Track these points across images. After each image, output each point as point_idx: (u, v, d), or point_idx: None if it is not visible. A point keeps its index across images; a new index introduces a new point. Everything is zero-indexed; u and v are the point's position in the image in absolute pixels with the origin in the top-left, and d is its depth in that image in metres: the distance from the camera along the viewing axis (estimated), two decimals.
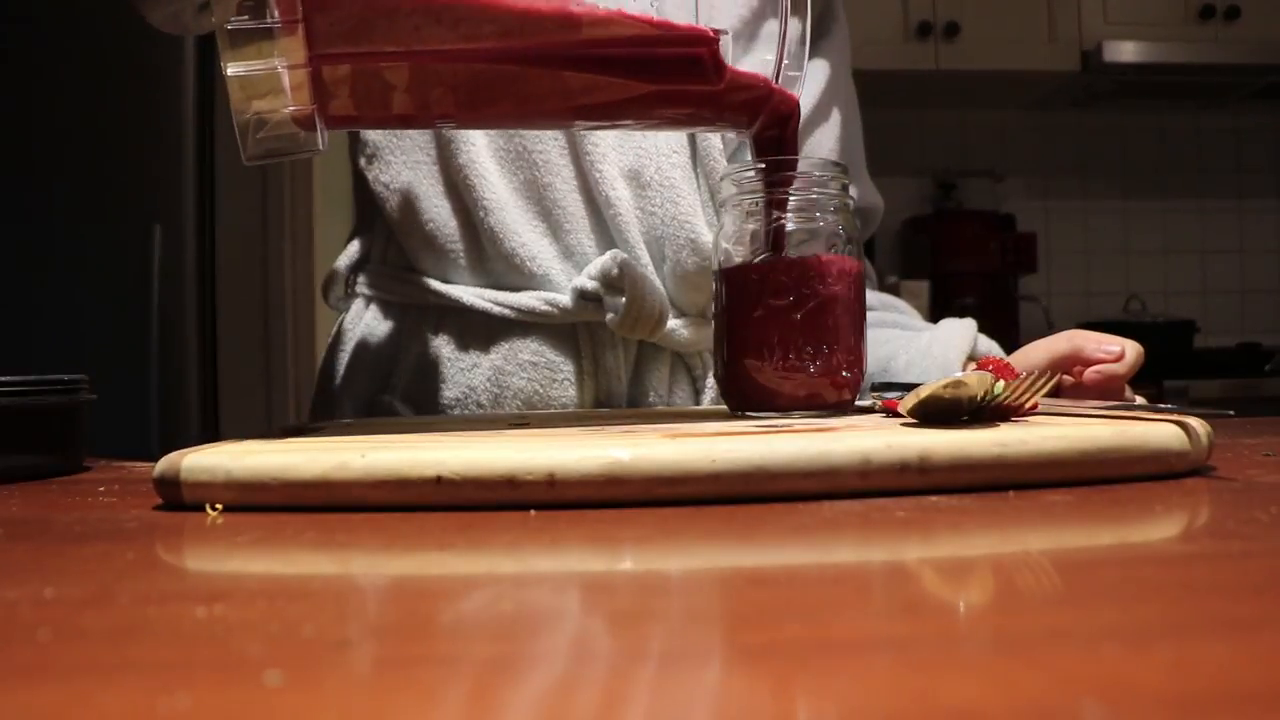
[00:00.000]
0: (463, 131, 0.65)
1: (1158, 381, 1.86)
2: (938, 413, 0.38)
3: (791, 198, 0.48)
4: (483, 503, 0.32)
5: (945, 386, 0.37)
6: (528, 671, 0.16)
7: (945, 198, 2.32)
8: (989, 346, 0.72)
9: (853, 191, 0.50)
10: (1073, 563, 0.23)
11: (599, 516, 0.30)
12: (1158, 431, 0.34)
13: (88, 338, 1.52)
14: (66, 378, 0.46)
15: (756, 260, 0.48)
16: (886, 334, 0.74)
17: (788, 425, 0.40)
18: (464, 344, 0.67)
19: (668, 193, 0.64)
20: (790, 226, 0.48)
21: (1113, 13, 2.10)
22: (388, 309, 0.71)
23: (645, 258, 0.65)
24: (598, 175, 0.64)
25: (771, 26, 0.60)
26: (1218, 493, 0.32)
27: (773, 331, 0.47)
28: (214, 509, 0.32)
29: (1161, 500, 0.31)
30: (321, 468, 0.32)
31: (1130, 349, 0.60)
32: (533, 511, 0.31)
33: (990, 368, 0.44)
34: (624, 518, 0.30)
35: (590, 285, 0.63)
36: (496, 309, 0.65)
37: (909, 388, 0.42)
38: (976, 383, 0.37)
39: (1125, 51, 2.04)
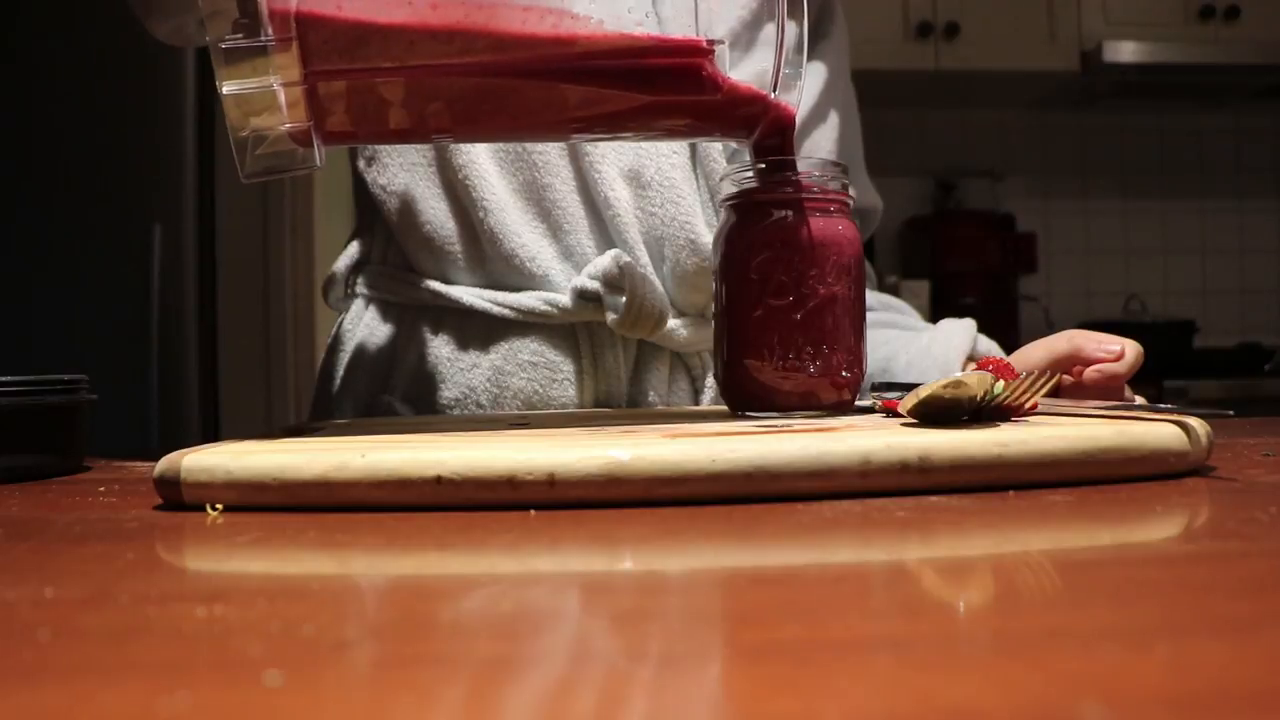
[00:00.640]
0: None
1: (1157, 381, 1.86)
2: (938, 413, 0.38)
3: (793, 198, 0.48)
4: (483, 503, 0.32)
5: (945, 386, 0.37)
6: (528, 671, 0.16)
7: (945, 198, 2.32)
8: (989, 346, 0.72)
9: (851, 192, 0.50)
10: (1072, 563, 0.23)
11: (599, 516, 0.30)
12: (1157, 431, 0.34)
13: (88, 338, 1.52)
14: (66, 378, 0.46)
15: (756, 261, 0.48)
16: (886, 334, 0.74)
17: (788, 425, 0.40)
18: (464, 344, 0.67)
19: (667, 193, 0.64)
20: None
21: (1113, 13, 2.11)
22: (387, 309, 0.71)
23: (645, 258, 0.65)
24: (597, 176, 0.64)
25: (770, 31, 0.61)
26: (1217, 493, 0.32)
27: (773, 331, 0.47)
28: (214, 509, 0.32)
29: (1161, 500, 0.31)
30: (321, 468, 0.32)
31: (1130, 349, 0.60)
32: (533, 511, 0.31)
33: (990, 368, 0.44)
34: (624, 518, 0.30)
35: (590, 285, 0.63)
36: (496, 309, 0.65)
37: (909, 388, 0.42)
38: (976, 383, 0.37)
39: (1125, 51, 2.04)
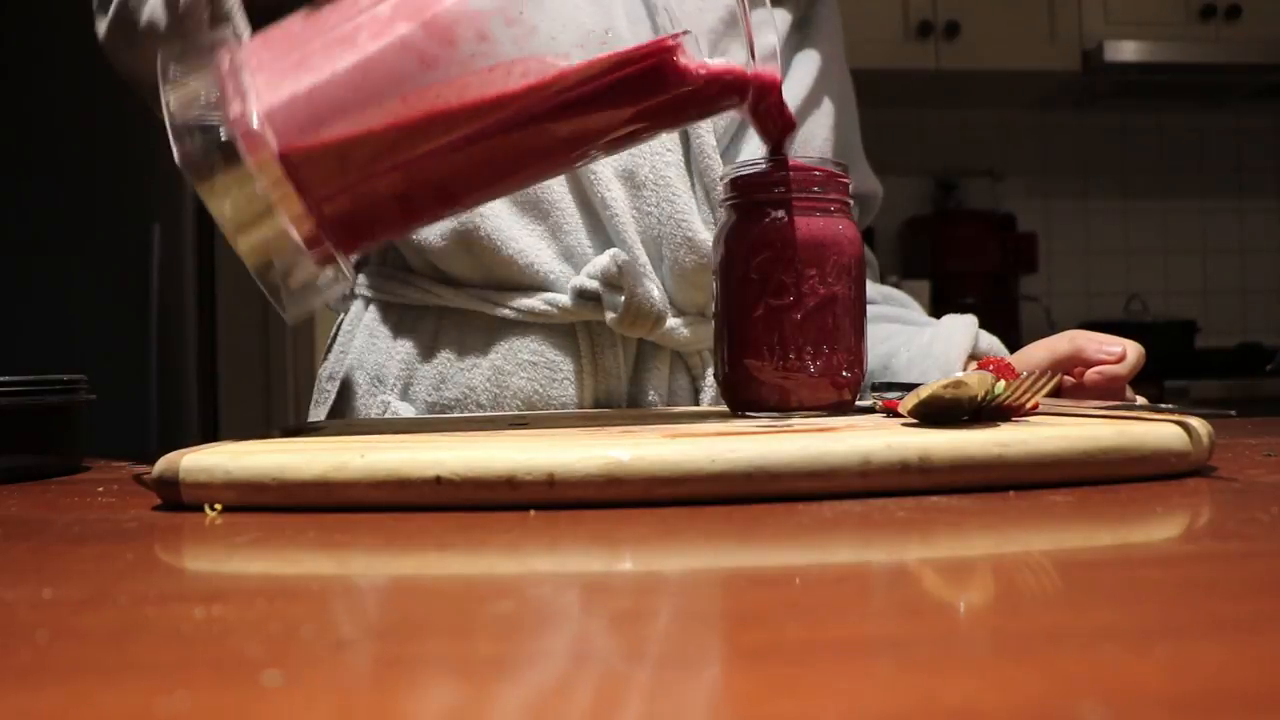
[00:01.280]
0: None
1: (1158, 381, 1.86)
2: (938, 413, 0.38)
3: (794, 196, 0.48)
4: (482, 503, 0.32)
5: (946, 386, 0.37)
6: (527, 672, 0.16)
7: (946, 197, 2.32)
8: (990, 343, 0.72)
9: (852, 189, 0.50)
10: (1073, 563, 0.23)
11: (599, 516, 0.30)
12: (1158, 432, 0.34)
13: (87, 338, 1.52)
14: (65, 378, 0.46)
15: (757, 261, 0.48)
16: (888, 329, 0.74)
17: (788, 425, 0.40)
18: (463, 344, 0.67)
19: (663, 191, 0.64)
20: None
21: (1113, 12, 2.10)
22: (387, 310, 0.71)
23: (643, 257, 0.65)
24: (593, 177, 0.64)
25: (761, 16, 0.62)
26: (1218, 493, 0.32)
27: (773, 331, 0.47)
28: (213, 509, 0.32)
29: (1162, 500, 0.31)
30: (321, 468, 0.32)
31: (1131, 350, 0.60)
32: (532, 511, 0.31)
33: (991, 368, 0.44)
34: (624, 518, 0.30)
35: (590, 284, 0.63)
36: (496, 309, 0.65)
37: (909, 388, 0.42)
38: (977, 383, 0.37)
39: (1126, 51, 2.04)
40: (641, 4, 0.65)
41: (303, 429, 0.51)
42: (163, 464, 0.33)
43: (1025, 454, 0.33)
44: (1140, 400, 0.58)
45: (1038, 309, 2.31)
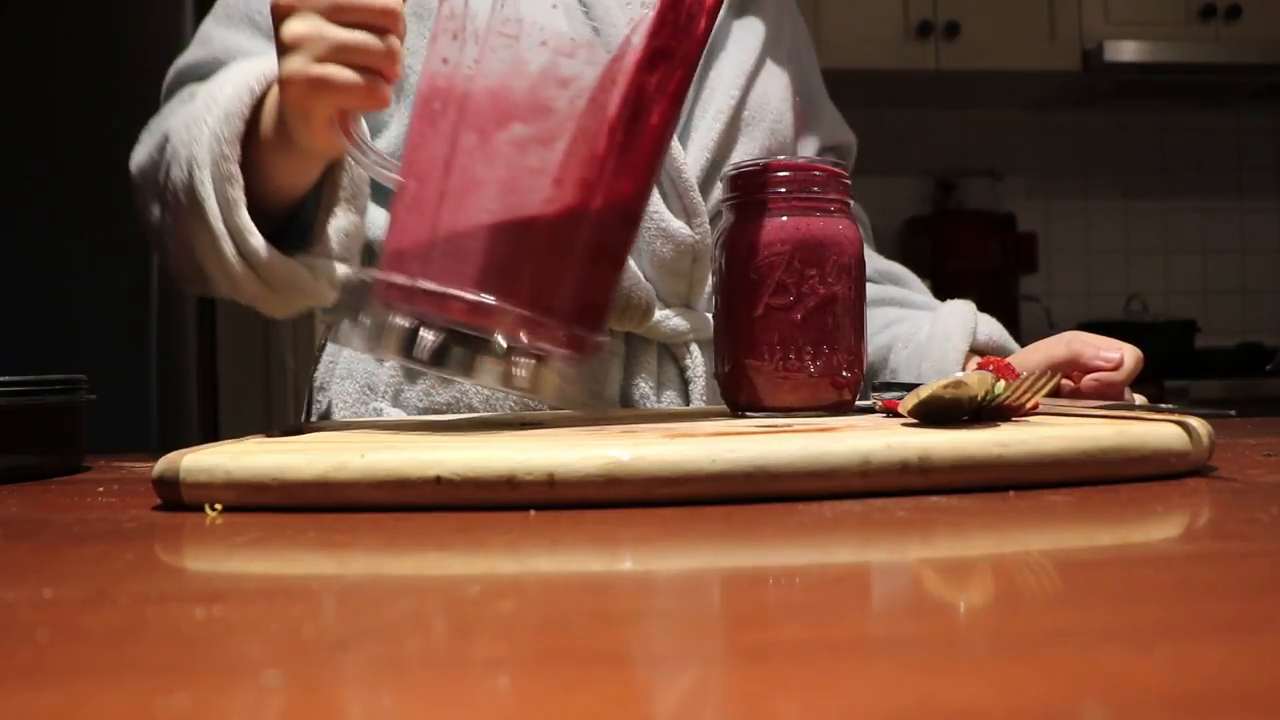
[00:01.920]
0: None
1: (1158, 381, 1.86)
2: (938, 413, 0.38)
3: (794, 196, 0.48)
4: (483, 503, 0.32)
5: (945, 387, 0.37)
6: (527, 671, 0.16)
7: (946, 198, 2.32)
8: (989, 331, 0.71)
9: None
10: (1073, 563, 0.23)
11: (599, 516, 0.30)
12: (1158, 431, 0.34)
13: (87, 338, 1.52)
14: (65, 377, 0.46)
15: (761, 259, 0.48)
16: (886, 315, 0.74)
17: (787, 425, 0.40)
18: None
19: None
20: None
21: (1114, 12, 2.10)
22: None
23: None
24: None
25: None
26: (1218, 493, 0.32)
27: (773, 331, 0.47)
28: (213, 509, 0.32)
29: (1162, 500, 0.31)
30: (321, 468, 0.32)
31: (1129, 355, 0.59)
32: (532, 511, 0.31)
33: (991, 368, 0.44)
34: (624, 518, 0.30)
35: None
36: None
37: (909, 387, 0.42)
38: (977, 383, 0.37)
39: (1126, 51, 2.04)
40: None
41: (303, 429, 0.51)
42: (163, 464, 0.33)
43: (1025, 454, 0.33)
44: (1140, 400, 0.58)
45: (1038, 309, 2.31)
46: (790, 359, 0.47)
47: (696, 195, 0.67)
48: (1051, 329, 2.31)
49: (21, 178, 1.58)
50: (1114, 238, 2.44)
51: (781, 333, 0.47)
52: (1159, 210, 2.44)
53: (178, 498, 0.33)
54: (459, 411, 0.66)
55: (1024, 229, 2.29)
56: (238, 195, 0.53)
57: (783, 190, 0.48)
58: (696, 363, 0.68)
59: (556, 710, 0.14)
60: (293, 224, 0.59)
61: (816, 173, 0.49)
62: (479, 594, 0.21)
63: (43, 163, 1.58)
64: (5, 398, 0.43)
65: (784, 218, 0.48)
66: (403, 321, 0.41)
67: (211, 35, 0.69)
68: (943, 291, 2.33)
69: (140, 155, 0.65)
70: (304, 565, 0.25)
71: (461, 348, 0.40)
